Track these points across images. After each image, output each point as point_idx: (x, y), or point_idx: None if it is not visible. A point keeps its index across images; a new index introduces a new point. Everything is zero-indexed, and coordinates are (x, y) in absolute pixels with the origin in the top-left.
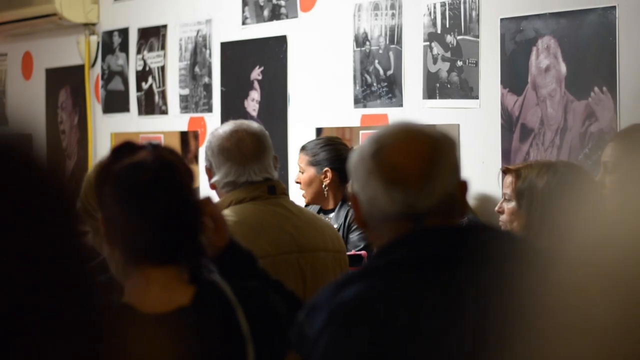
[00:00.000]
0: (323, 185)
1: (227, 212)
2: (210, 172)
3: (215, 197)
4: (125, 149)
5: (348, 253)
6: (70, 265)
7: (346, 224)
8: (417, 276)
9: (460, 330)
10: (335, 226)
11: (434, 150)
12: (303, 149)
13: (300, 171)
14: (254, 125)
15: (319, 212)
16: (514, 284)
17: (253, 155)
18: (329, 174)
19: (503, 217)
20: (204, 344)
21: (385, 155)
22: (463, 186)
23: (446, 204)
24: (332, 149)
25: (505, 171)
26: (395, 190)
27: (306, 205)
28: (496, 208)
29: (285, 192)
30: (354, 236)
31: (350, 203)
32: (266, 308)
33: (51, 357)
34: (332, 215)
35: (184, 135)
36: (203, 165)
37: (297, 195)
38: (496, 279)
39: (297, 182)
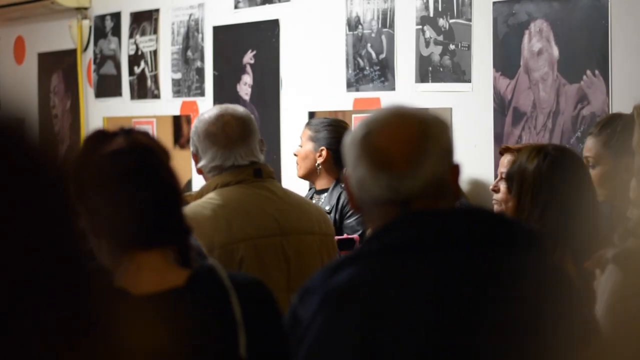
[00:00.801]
0: (316, 164)
1: (212, 195)
2: (196, 157)
3: (202, 182)
4: (98, 138)
5: (340, 237)
6: (65, 249)
7: (339, 206)
8: (409, 259)
9: (452, 313)
10: (327, 208)
11: (421, 134)
12: (308, 124)
13: (300, 145)
14: (240, 109)
15: (313, 194)
16: (504, 268)
17: (239, 139)
18: (324, 153)
19: (498, 196)
20: (196, 324)
21: (373, 140)
22: (455, 170)
23: (435, 188)
24: (333, 130)
25: (503, 151)
26: (380, 174)
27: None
28: (491, 187)
29: (272, 176)
30: (351, 221)
31: (343, 185)
32: (261, 296)
33: (46, 344)
34: (324, 195)
35: (176, 120)
36: None
37: (293, 173)
38: (485, 263)
39: (295, 155)
